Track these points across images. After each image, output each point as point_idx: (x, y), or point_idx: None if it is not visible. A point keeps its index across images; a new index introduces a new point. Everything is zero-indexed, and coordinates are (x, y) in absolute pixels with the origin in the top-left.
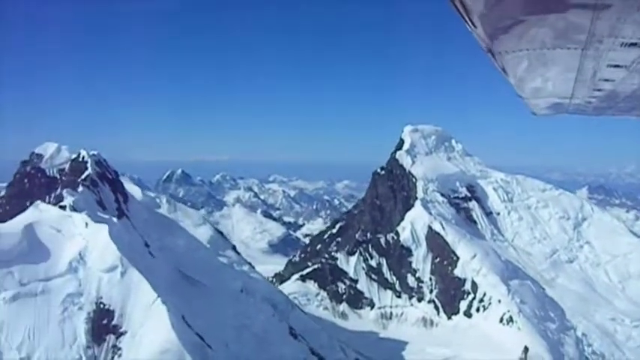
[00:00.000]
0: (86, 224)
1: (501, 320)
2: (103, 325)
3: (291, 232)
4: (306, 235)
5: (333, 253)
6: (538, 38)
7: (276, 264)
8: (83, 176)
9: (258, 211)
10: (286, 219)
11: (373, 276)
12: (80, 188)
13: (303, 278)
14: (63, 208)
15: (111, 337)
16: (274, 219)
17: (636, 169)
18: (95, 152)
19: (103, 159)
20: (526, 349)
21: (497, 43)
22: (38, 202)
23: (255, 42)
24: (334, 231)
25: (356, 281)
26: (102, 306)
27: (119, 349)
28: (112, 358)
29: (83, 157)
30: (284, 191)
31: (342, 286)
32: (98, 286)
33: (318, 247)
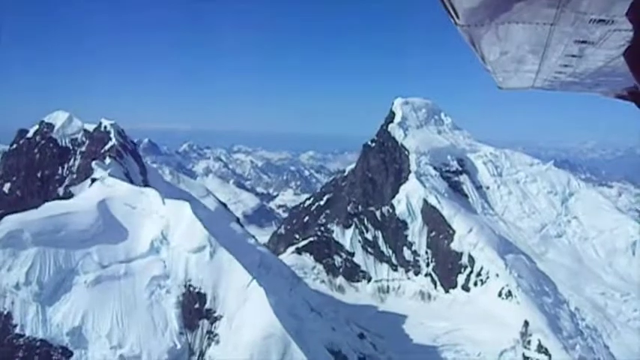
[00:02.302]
0: (163, 200)
1: (500, 294)
2: (195, 309)
3: (265, 203)
4: (280, 206)
5: (328, 226)
6: (506, 12)
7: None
8: (107, 147)
9: (231, 181)
10: (258, 190)
11: (369, 249)
12: (107, 160)
13: (299, 251)
14: (94, 180)
15: (204, 323)
16: (247, 189)
17: (597, 145)
18: (113, 121)
19: (121, 129)
20: (526, 323)
21: (465, 15)
22: (105, 175)
23: (222, 7)
24: (322, 203)
25: (352, 254)
26: (192, 289)
27: (215, 335)
28: (209, 344)
29: (105, 127)
30: (252, 161)
31: (338, 260)
32: (186, 267)
33: (306, 219)
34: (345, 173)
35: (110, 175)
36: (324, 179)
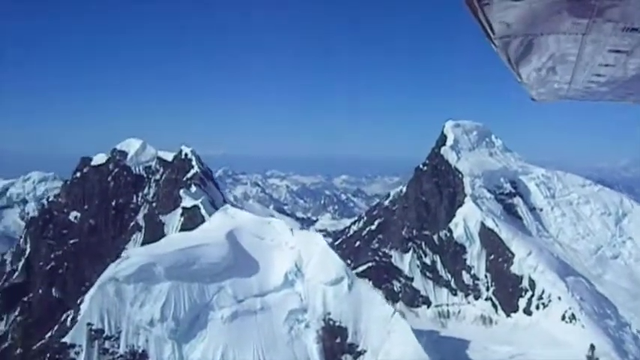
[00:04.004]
0: (291, 231)
1: (563, 318)
2: (337, 344)
3: (305, 228)
4: (320, 231)
5: (385, 250)
6: (538, 24)
7: None
8: (189, 175)
9: (270, 206)
10: (298, 214)
11: (428, 274)
12: (193, 188)
13: (357, 276)
14: (186, 209)
15: (347, 358)
16: (287, 214)
17: (630, 163)
18: (191, 149)
19: (198, 156)
20: (592, 347)
21: (497, 28)
22: (227, 206)
23: (254, 36)
24: (373, 227)
25: (411, 279)
26: (332, 323)
27: None
28: None
29: (186, 155)
30: (287, 186)
31: (397, 285)
32: (323, 300)
33: (357, 243)
34: (391, 197)
35: (202, 203)
36: (361, 203)
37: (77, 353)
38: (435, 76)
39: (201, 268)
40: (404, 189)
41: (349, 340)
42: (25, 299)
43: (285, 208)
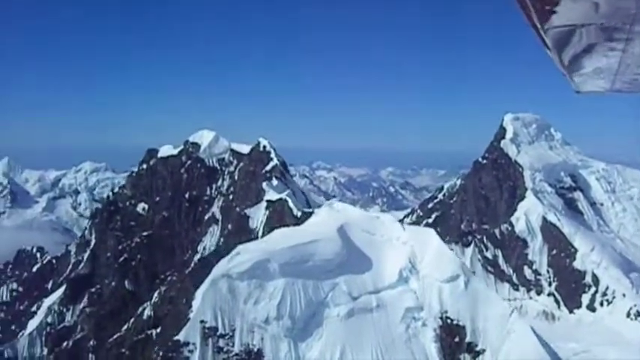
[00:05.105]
0: (403, 226)
1: (628, 315)
2: (455, 343)
3: None
4: None
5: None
6: (584, 13)
7: None
8: (268, 167)
9: (321, 199)
10: None
11: (489, 268)
12: (274, 181)
13: None
14: (271, 202)
15: (466, 357)
16: None
17: None
18: (268, 140)
19: (274, 147)
20: None
21: (542, 17)
22: (332, 200)
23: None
24: (430, 220)
25: (472, 274)
26: (449, 321)
27: None
28: None
29: (264, 147)
30: (335, 178)
31: None
32: (439, 298)
33: None
34: (444, 190)
35: (288, 196)
36: (409, 196)
37: (191, 351)
38: (480, 70)
39: (315, 265)
40: (458, 182)
41: (468, 339)
42: (93, 290)
43: (335, 200)
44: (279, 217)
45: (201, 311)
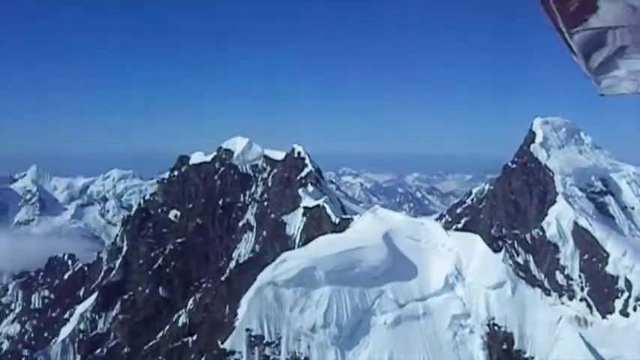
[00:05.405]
0: (447, 233)
1: None
2: (503, 350)
3: None
4: None
5: None
6: (609, 15)
7: None
8: (303, 174)
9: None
10: None
11: (521, 273)
12: (310, 187)
13: None
14: (308, 209)
15: None
16: None
17: None
18: (303, 147)
19: (308, 154)
20: None
21: (567, 19)
22: (376, 207)
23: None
24: (459, 225)
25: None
26: (496, 328)
27: None
28: None
29: (299, 153)
30: (361, 183)
31: None
32: (486, 304)
33: None
34: (473, 195)
35: (325, 202)
36: (436, 201)
37: None
38: (502, 75)
39: (362, 272)
40: (486, 187)
41: (516, 346)
42: (126, 297)
43: (361, 206)
44: (317, 224)
45: (247, 319)
